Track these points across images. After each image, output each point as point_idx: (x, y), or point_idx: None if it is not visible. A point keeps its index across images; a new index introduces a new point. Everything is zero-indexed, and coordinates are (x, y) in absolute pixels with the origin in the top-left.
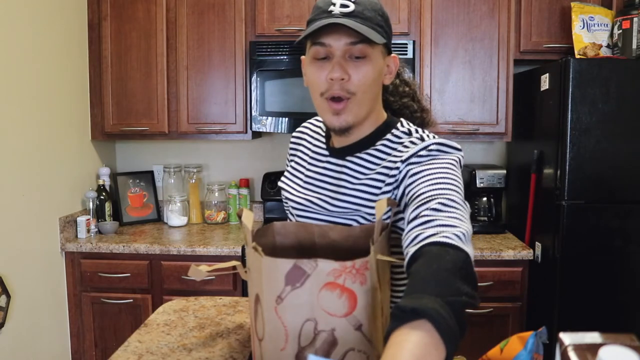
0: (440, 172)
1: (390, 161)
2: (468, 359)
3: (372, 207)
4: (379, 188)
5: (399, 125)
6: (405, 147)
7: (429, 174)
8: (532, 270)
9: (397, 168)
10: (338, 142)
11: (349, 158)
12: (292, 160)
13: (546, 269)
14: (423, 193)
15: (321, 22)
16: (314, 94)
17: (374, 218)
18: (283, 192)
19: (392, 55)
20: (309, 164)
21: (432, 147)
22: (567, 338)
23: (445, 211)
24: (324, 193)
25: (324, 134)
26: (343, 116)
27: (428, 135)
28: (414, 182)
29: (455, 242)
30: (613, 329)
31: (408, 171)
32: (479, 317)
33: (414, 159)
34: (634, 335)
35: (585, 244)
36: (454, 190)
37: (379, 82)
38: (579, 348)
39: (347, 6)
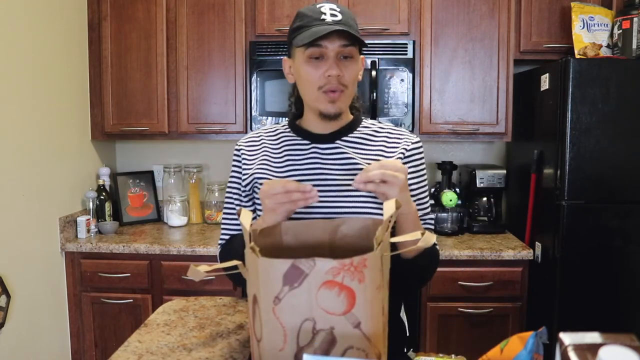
0: (425, 186)
1: (383, 142)
2: (468, 359)
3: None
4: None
5: (363, 118)
6: (391, 133)
7: (420, 190)
8: (532, 270)
9: (402, 153)
10: (323, 129)
11: (340, 140)
12: (246, 166)
13: (546, 269)
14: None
15: (320, 28)
16: (309, 89)
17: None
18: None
19: (361, 56)
20: (288, 157)
21: (420, 144)
22: (567, 338)
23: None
24: (331, 172)
25: (289, 132)
26: (337, 104)
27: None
28: (412, 185)
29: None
30: (613, 329)
31: (414, 164)
32: (479, 317)
33: (416, 156)
34: (634, 335)
35: (585, 244)
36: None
37: (358, 79)
38: (579, 348)
39: (336, 15)
